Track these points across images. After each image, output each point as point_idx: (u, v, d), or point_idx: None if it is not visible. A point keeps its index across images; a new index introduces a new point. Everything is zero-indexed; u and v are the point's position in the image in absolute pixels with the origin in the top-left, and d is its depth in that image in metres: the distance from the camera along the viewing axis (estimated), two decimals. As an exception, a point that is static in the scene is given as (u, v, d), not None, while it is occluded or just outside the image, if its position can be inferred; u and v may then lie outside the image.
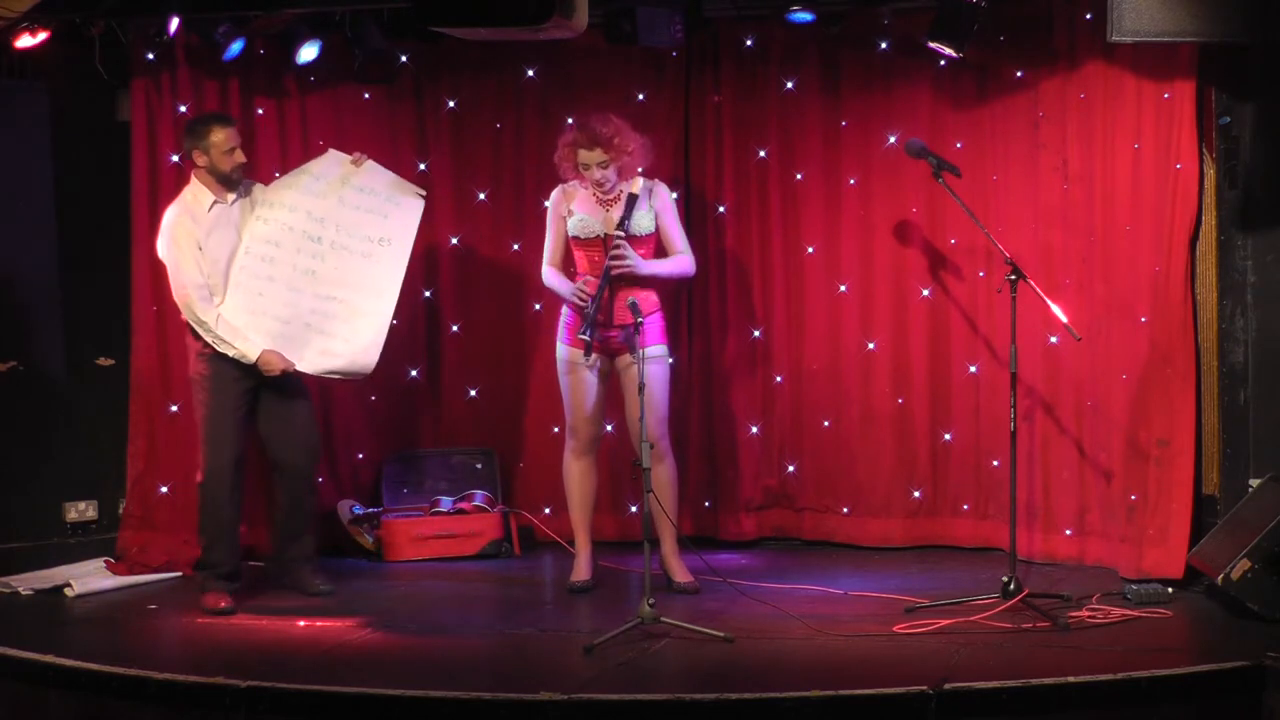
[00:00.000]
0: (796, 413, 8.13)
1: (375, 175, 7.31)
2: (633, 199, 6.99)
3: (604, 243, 7.04)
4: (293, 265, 7.11)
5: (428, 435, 8.49)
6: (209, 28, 7.58)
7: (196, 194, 7.05)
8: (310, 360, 7.10)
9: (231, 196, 7.08)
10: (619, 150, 7.04)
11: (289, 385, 7.12)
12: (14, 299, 7.79)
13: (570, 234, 7.14)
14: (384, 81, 8.04)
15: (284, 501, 7.25)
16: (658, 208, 7.14)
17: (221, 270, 7.00)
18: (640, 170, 7.17)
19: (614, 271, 6.95)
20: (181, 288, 6.96)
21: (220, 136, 7.00)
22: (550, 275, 7.22)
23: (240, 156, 7.04)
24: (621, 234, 6.97)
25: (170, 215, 7.06)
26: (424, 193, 7.39)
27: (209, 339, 6.96)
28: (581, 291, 6.98)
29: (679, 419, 7.93)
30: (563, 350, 7.16)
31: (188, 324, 7.02)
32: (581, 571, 7.27)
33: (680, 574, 7.15)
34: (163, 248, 7.04)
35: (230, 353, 6.95)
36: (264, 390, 7.08)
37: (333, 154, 7.30)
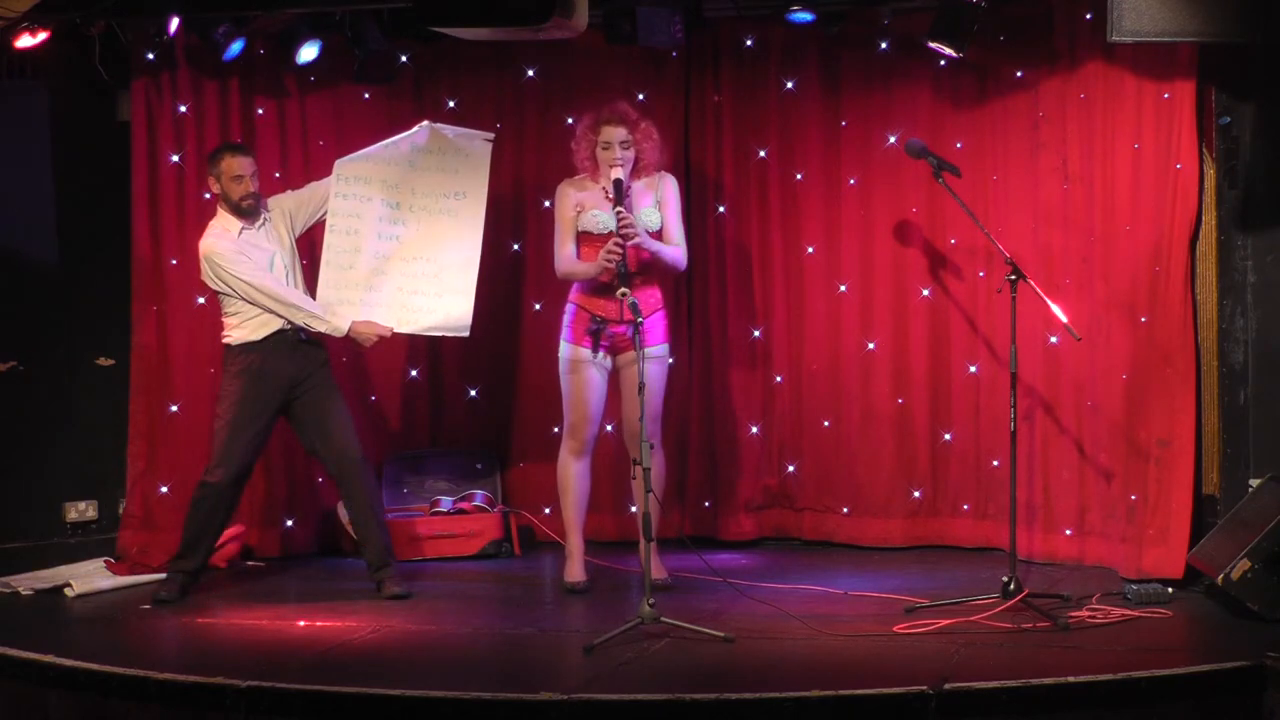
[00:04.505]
0: (796, 413, 8.13)
1: (438, 137, 7.39)
2: (619, 184, 6.96)
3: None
4: (376, 234, 7.28)
5: (428, 435, 8.49)
6: (209, 28, 7.58)
7: (225, 222, 7.14)
8: (406, 321, 7.28)
9: (257, 221, 7.14)
10: (644, 134, 7.07)
11: (322, 397, 7.17)
12: (14, 299, 7.79)
13: (581, 229, 7.11)
14: (384, 81, 8.04)
15: (349, 509, 7.35)
16: (662, 197, 7.13)
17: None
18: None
19: (622, 230, 6.87)
20: (258, 291, 7.01)
21: (228, 164, 7.08)
22: (569, 261, 7.10)
23: (249, 186, 7.08)
24: (622, 209, 6.92)
25: (207, 245, 7.09)
26: (491, 136, 7.49)
27: (300, 320, 7.05)
28: (610, 253, 6.88)
29: (679, 419, 7.95)
30: (566, 349, 7.15)
31: (225, 334, 7.13)
32: (576, 573, 7.23)
33: (656, 570, 7.11)
34: (211, 276, 7.07)
35: (323, 328, 7.09)
36: (295, 404, 7.15)
37: (400, 138, 7.40)
